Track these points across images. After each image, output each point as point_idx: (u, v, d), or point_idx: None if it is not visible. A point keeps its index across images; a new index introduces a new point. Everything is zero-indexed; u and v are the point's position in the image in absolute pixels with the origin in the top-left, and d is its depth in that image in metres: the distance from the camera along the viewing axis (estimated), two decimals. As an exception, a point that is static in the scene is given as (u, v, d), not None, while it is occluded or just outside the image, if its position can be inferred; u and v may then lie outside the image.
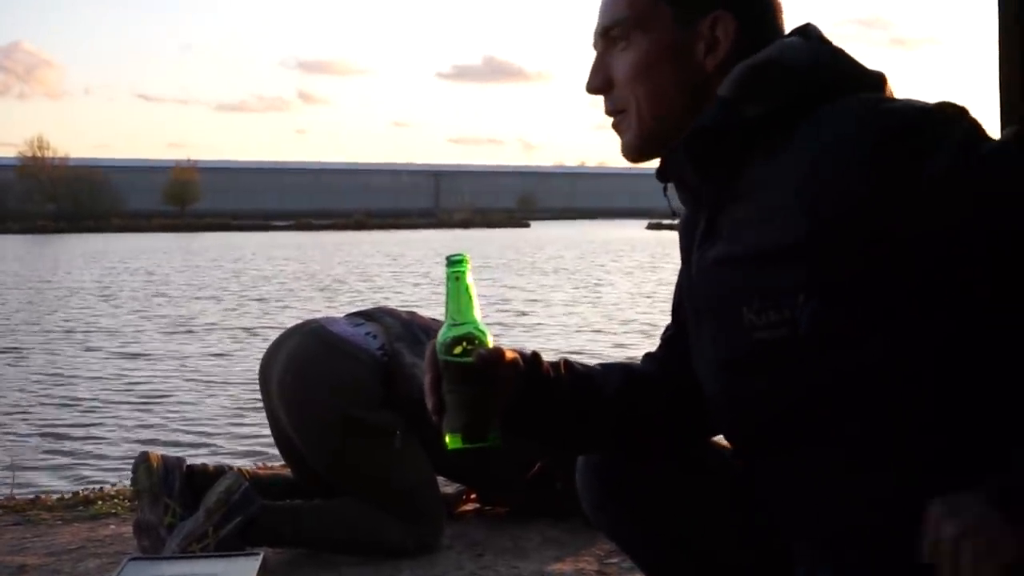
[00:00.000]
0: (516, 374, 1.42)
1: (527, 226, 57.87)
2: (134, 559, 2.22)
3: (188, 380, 8.98)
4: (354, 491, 2.84)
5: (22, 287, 19.46)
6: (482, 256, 28.10)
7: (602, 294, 17.18)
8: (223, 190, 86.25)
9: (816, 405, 1.27)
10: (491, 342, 1.40)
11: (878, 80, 1.33)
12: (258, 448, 6.07)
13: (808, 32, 1.38)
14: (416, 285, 19.37)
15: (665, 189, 1.47)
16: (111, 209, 66.78)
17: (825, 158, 1.22)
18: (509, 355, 1.42)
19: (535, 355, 1.50)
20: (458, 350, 1.38)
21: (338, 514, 2.86)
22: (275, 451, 3.27)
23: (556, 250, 31.38)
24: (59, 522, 3.53)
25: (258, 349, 9.17)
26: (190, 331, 12.66)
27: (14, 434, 6.70)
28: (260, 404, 3.10)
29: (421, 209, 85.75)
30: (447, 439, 1.40)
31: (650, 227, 54.93)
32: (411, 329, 2.92)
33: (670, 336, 1.60)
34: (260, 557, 2.15)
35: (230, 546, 2.55)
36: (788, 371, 1.27)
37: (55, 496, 4.08)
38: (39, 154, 73.84)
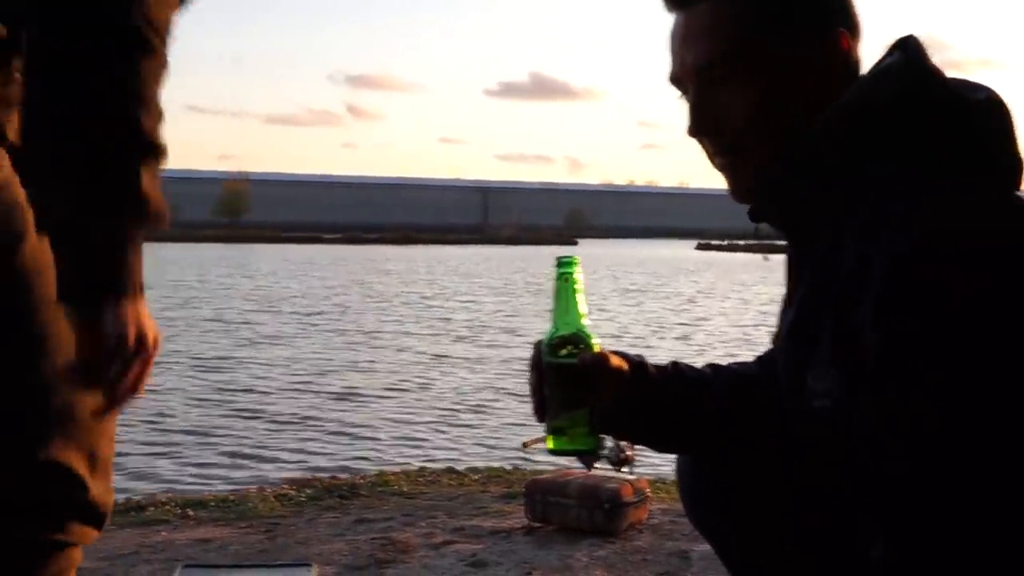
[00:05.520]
0: (621, 379, 1.41)
1: (575, 243, 57.74)
2: (187, 566, 2.24)
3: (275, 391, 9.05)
4: None
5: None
6: (532, 272, 28.09)
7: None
8: (273, 202, 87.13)
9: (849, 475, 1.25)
10: (597, 345, 1.39)
11: (980, 109, 1.23)
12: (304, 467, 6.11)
13: (907, 50, 1.28)
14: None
15: (756, 230, 1.42)
16: (164, 219, 67.55)
17: (848, 241, 1.17)
18: (615, 360, 1.40)
19: (641, 360, 1.48)
20: (563, 352, 1.37)
21: None
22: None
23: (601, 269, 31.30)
24: (112, 527, 3.57)
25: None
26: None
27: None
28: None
29: (469, 224, 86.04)
30: (548, 440, 1.40)
31: (699, 247, 54.67)
32: None
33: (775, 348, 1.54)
34: (312, 569, 2.16)
35: None
36: (831, 442, 1.25)
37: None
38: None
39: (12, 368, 1.32)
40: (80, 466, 1.38)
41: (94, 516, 1.41)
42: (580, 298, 1.39)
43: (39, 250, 1.33)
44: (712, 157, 1.36)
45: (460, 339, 13.22)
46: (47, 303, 1.32)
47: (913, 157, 1.19)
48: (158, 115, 1.31)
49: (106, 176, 1.26)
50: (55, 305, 1.32)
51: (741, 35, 1.28)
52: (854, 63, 1.31)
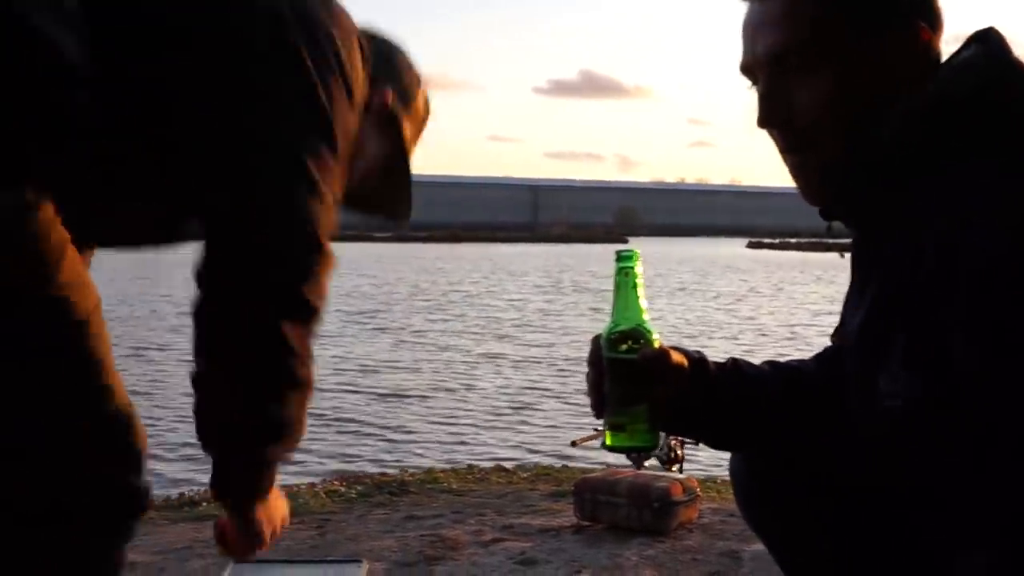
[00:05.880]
0: (681, 375, 1.39)
1: (625, 241, 57.56)
2: (239, 562, 2.26)
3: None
4: None
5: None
6: (580, 271, 28.05)
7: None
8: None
9: (924, 476, 1.22)
10: (657, 341, 1.37)
11: None
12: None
13: (988, 43, 1.25)
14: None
15: (829, 227, 1.38)
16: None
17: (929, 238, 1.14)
18: (675, 356, 1.39)
19: (701, 356, 1.46)
20: (623, 347, 1.36)
21: None
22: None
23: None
24: (165, 522, 3.62)
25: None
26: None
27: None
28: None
29: (519, 223, 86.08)
30: (606, 437, 1.39)
31: (750, 246, 54.25)
32: None
33: (836, 346, 1.51)
34: (363, 565, 2.17)
35: None
36: (902, 442, 1.22)
37: (162, 496, 4.18)
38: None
39: (52, 379, 1.38)
40: (122, 466, 1.42)
41: (139, 511, 1.47)
42: (640, 292, 1.37)
43: (76, 265, 1.40)
44: (783, 153, 1.33)
45: (506, 338, 13.22)
46: (83, 315, 1.39)
47: (992, 152, 1.16)
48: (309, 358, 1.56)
49: (267, 419, 1.51)
50: (91, 317, 1.40)
51: (817, 24, 1.26)
52: (934, 57, 1.27)
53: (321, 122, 1.50)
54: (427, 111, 1.91)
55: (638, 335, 1.36)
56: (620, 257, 1.38)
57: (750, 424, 1.49)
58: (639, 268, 1.38)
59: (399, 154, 1.80)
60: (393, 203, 1.86)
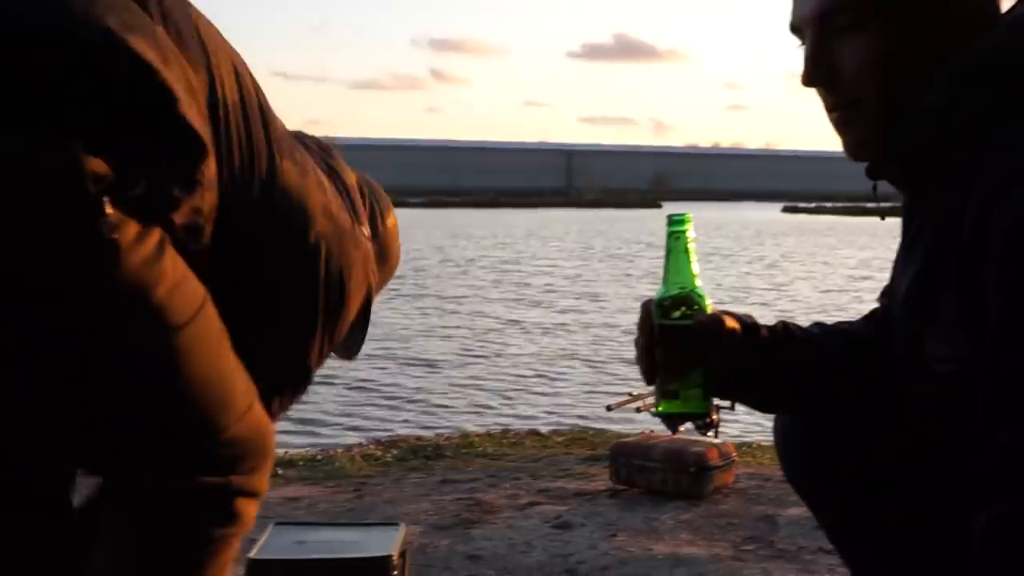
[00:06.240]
0: (734, 341, 1.38)
1: (659, 206, 57.17)
2: (279, 523, 2.29)
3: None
4: None
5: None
6: (613, 236, 27.98)
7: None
8: (357, 167, 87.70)
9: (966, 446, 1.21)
10: (710, 307, 1.36)
11: None
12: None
13: None
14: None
15: (875, 188, 1.37)
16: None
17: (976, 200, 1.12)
18: (729, 322, 1.38)
19: (752, 320, 1.45)
20: (676, 314, 1.34)
21: None
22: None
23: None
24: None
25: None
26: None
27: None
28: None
29: (553, 188, 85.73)
30: (659, 404, 1.39)
31: (786, 210, 53.76)
32: None
33: (884, 307, 1.50)
34: (401, 528, 2.20)
35: None
36: (957, 407, 1.20)
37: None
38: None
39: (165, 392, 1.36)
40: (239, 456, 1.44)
41: (255, 496, 1.50)
42: (692, 257, 1.35)
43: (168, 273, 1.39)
44: (828, 111, 1.31)
45: (538, 304, 13.21)
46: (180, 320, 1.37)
47: None
48: None
49: None
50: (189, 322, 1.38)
51: None
52: (993, 15, 1.25)
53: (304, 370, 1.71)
54: (398, 256, 2.06)
55: (691, 301, 1.35)
56: (672, 221, 1.36)
57: (799, 387, 1.48)
58: (691, 232, 1.36)
59: (366, 307, 1.87)
60: (347, 344, 1.92)
